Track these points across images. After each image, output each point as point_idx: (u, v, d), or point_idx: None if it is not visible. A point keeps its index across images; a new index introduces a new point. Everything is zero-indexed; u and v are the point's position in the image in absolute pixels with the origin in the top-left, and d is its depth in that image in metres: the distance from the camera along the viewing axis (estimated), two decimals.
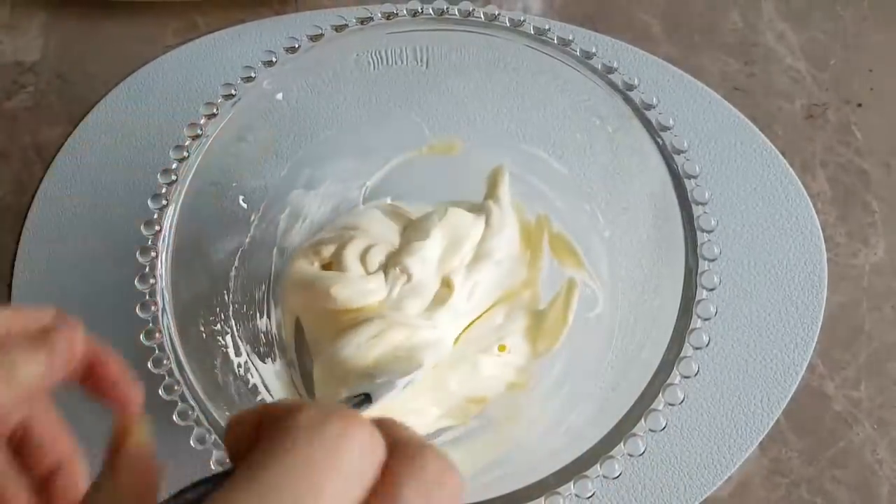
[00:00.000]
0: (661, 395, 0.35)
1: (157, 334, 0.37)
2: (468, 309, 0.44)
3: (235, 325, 0.43)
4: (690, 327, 0.36)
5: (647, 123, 0.40)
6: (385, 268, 0.43)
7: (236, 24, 0.57)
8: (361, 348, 0.41)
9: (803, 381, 0.47)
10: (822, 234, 0.50)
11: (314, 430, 0.19)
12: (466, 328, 0.45)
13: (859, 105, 0.54)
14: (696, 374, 0.35)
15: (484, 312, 0.45)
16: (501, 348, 0.44)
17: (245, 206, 0.45)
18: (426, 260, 0.43)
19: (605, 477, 0.34)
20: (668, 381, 0.35)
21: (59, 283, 0.50)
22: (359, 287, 0.42)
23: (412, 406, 0.42)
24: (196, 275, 0.41)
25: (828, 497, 0.45)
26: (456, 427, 0.44)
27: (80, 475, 0.29)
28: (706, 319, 0.36)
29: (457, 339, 0.44)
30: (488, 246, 0.45)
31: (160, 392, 0.36)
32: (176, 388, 0.36)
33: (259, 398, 0.41)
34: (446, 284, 0.44)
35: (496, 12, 0.43)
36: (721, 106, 0.53)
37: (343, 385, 0.41)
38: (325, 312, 0.43)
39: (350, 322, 0.42)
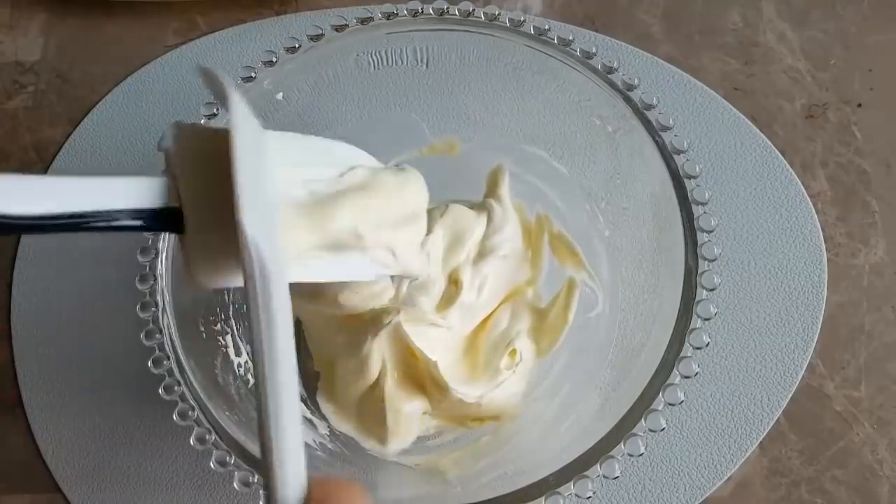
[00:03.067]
0: (661, 395, 0.35)
1: (157, 334, 0.37)
2: (479, 304, 0.44)
3: (235, 325, 0.43)
4: (690, 327, 0.36)
5: (647, 123, 0.40)
6: None
7: (236, 24, 0.57)
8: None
9: (803, 381, 0.47)
10: (822, 234, 0.50)
11: None
12: (480, 323, 0.44)
13: (859, 105, 0.54)
14: (696, 375, 0.35)
15: (494, 310, 0.45)
16: (512, 354, 0.43)
17: None
18: (431, 256, 0.43)
19: (605, 477, 0.34)
20: (668, 381, 0.35)
21: (59, 283, 0.50)
22: (366, 291, 0.41)
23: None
24: None
25: (828, 497, 0.45)
26: (457, 428, 0.44)
27: None
28: (706, 319, 0.36)
29: (468, 351, 0.44)
30: (492, 242, 0.45)
31: (160, 392, 0.36)
32: (176, 388, 0.36)
33: None
34: (454, 282, 0.43)
35: (496, 12, 0.43)
36: (721, 106, 0.53)
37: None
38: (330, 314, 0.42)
39: (359, 320, 0.41)
